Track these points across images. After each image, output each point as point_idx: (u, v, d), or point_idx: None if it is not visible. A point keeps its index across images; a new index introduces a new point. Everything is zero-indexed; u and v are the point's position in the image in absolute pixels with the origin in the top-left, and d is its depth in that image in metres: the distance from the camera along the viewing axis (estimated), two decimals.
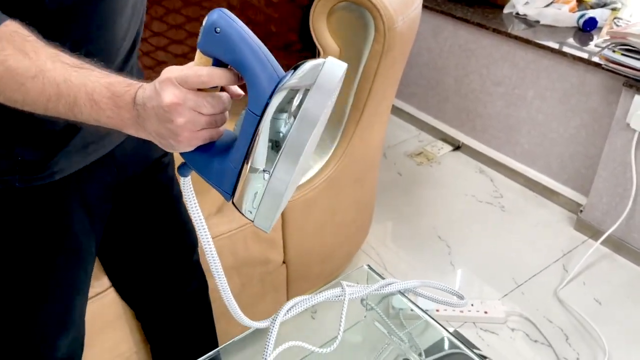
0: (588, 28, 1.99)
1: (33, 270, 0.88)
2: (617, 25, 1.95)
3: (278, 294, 1.55)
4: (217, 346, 1.18)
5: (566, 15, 2.04)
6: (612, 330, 1.64)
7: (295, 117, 0.57)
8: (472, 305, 1.71)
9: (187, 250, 1.15)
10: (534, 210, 2.14)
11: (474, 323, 1.68)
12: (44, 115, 0.63)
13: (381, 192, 2.08)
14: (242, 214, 0.63)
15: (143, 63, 1.67)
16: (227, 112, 0.62)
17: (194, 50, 0.60)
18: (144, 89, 0.59)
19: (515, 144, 2.22)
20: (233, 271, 1.36)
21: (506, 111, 2.20)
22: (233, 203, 0.63)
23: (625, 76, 1.71)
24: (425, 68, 2.47)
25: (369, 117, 1.42)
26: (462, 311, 1.68)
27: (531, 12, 2.10)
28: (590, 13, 2.00)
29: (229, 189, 0.63)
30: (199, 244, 1.16)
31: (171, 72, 0.58)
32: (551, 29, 2.04)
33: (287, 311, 0.84)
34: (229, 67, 0.60)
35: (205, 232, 0.71)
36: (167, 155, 1.05)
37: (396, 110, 2.67)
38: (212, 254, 0.72)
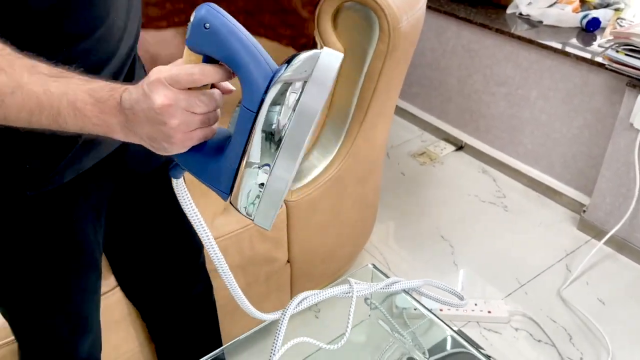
0: (591, 28, 1.99)
1: (52, 273, 0.88)
2: (621, 26, 1.96)
3: (282, 293, 1.55)
4: (221, 346, 1.18)
5: (569, 15, 2.04)
6: (615, 330, 1.64)
7: (292, 110, 0.55)
8: (475, 304, 1.71)
9: (193, 253, 1.16)
10: (537, 210, 2.14)
11: (477, 323, 1.68)
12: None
13: (384, 192, 2.08)
14: (240, 212, 0.61)
15: None
16: (219, 110, 0.61)
17: None
18: (129, 92, 0.57)
19: (518, 144, 2.22)
20: (239, 270, 1.37)
21: (509, 111, 2.20)
22: (231, 202, 0.62)
23: (628, 76, 1.71)
24: (428, 68, 2.47)
25: (373, 117, 1.42)
26: (465, 311, 1.68)
27: (534, 12, 2.10)
28: (594, 13, 2.00)
29: (226, 188, 0.61)
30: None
31: (160, 72, 0.55)
32: (554, 29, 2.04)
33: (297, 304, 0.83)
34: (219, 62, 0.57)
35: (205, 232, 0.69)
36: None
37: (399, 111, 2.67)
38: (213, 249, 0.70)
